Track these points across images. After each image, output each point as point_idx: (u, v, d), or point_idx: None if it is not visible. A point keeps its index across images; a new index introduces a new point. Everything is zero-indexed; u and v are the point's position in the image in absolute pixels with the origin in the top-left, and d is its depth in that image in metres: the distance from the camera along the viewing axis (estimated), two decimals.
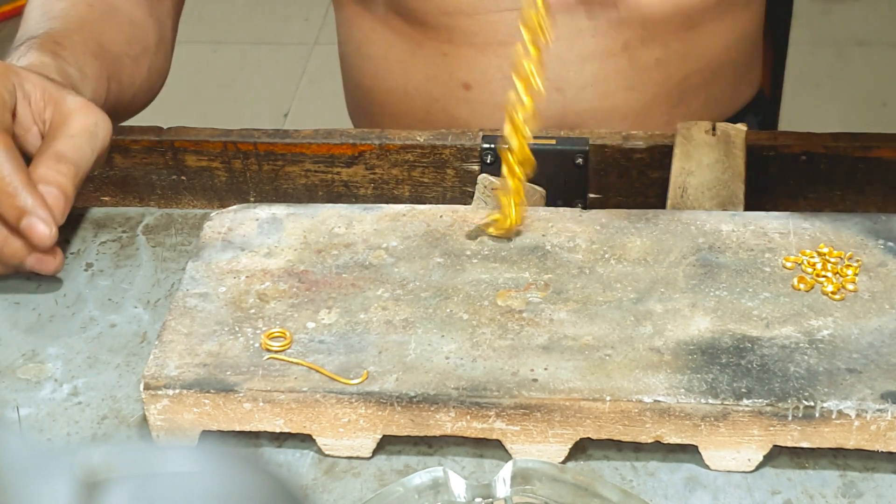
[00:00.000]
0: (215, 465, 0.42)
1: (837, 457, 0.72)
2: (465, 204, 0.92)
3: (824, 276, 0.77)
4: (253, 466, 0.43)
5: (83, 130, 0.81)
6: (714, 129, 0.91)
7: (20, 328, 0.83)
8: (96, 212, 0.94)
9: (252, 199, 0.94)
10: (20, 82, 0.81)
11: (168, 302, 0.85)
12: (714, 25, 0.97)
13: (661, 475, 0.72)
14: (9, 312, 0.85)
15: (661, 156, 0.92)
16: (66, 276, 0.87)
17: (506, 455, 0.72)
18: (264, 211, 0.83)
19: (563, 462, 0.72)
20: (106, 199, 0.95)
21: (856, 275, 0.77)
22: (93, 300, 0.85)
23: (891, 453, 0.72)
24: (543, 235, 0.81)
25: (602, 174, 0.93)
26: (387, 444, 0.74)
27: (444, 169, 0.93)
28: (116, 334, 0.83)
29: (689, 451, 0.73)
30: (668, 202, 0.88)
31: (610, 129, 0.96)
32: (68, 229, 0.91)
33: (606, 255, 0.80)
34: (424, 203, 0.93)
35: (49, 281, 0.87)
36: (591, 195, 0.94)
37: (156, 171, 0.94)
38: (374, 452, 0.73)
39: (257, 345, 0.74)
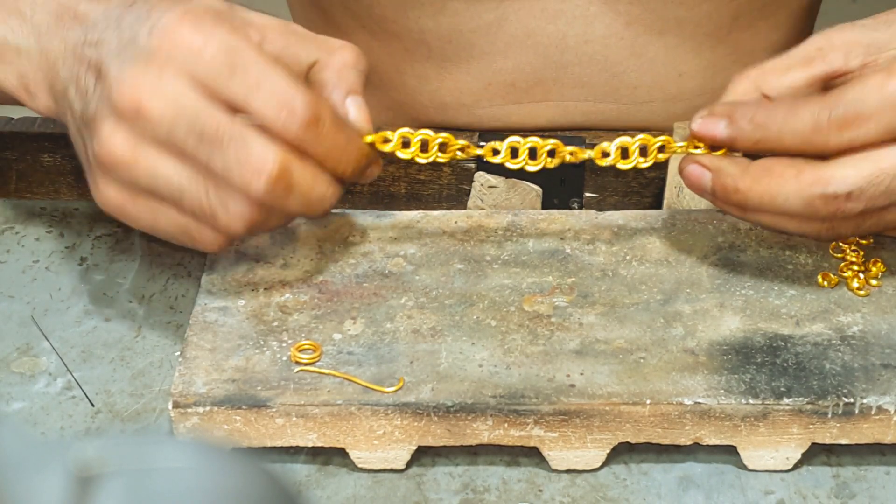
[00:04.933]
0: (209, 461, 0.42)
1: (830, 457, 0.73)
2: (461, 201, 0.91)
3: (850, 271, 0.77)
4: (247, 462, 0.42)
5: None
6: None
7: (14, 322, 0.82)
8: (92, 206, 0.90)
9: None
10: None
11: (163, 297, 0.84)
12: (763, 25, 0.97)
13: (654, 474, 0.72)
14: (3, 306, 0.84)
15: None
16: (61, 270, 0.86)
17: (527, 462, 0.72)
18: None
19: (600, 468, 0.72)
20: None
21: (882, 271, 0.77)
22: (87, 294, 0.84)
23: (883, 455, 0.72)
24: (562, 239, 0.81)
25: (598, 173, 0.93)
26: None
27: (440, 166, 0.92)
28: (111, 328, 0.82)
29: (682, 451, 0.73)
30: (665, 202, 0.88)
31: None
32: (62, 224, 0.90)
33: (627, 257, 0.79)
34: (421, 200, 0.92)
35: (43, 275, 0.86)
36: (587, 194, 0.93)
37: None
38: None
39: (285, 358, 0.72)
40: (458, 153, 0.76)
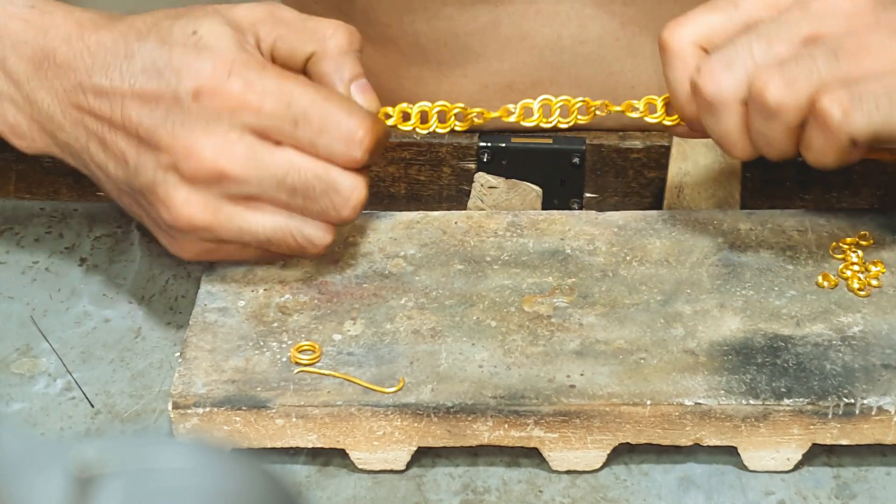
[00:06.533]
0: (209, 462, 0.42)
1: (831, 457, 0.73)
2: (461, 202, 0.91)
3: (850, 272, 0.77)
4: (246, 463, 0.43)
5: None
6: None
7: (14, 322, 0.82)
8: (91, 206, 0.92)
9: None
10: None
11: (163, 297, 0.84)
12: None
13: (654, 475, 0.72)
14: (2, 307, 0.84)
15: (657, 156, 0.92)
16: (60, 270, 0.86)
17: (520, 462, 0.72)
18: None
19: (600, 468, 0.72)
20: (101, 193, 0.93)
21: (882, 272, 0.77)
22: (87, 295, 0.84)
23: (884, 455, 0.72)
24: (562, 239, 0.81)
25: (598, 174, 0.93)
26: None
27: (440, 167, 0.92)
28: (111, 329, 0.82)
29: (683, 452, 0.73)
30: (665, 202, 0.88)
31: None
32: (62, 224, 0.90)
33: (628, 258, 0.79)
34: (421, 200, 0.92)
35: (43, 275, 0.86)
36: (588, 195, 0.93)
37: None
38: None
39: (284, 359, 0.72)
40: (456, 122, 0.80)
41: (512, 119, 0.79)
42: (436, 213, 0.83)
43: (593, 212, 0.83)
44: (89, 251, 0.88)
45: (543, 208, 0.89)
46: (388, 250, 0.80)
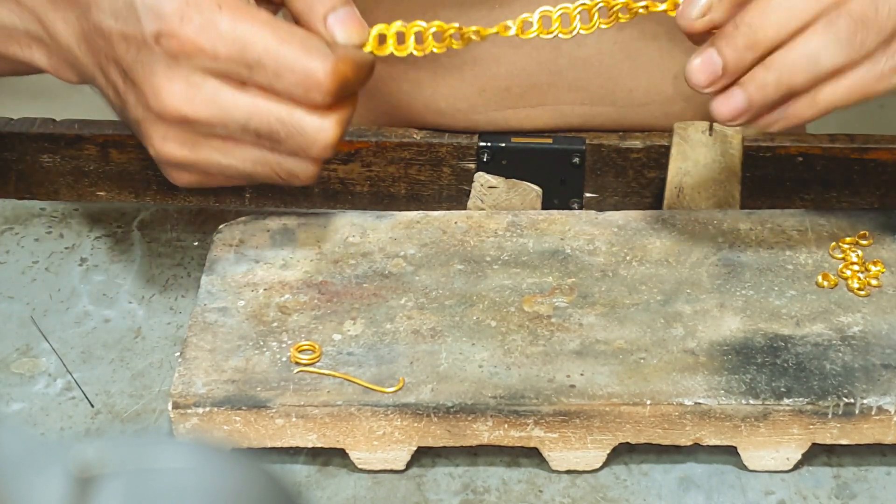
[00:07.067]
0: (209, 462, 0.42)
1: (831, 457, 0.73)
2: (461, 202, 0.91)
3: (850, 272, 0.77)
4: (246, 463, 0.42)
5: None
6: (711, 129, 0.91)
7: (14, 322, 0.82)
8: (91, 206, 0.92)
9: (248, 195, 0.93)
10: None
11: (163, 297, 0.84)
12: None
13: (654, 475, 0.72)
14: (2, 306, 0.84)
15: (657, 155, 0.92)
16: (60, 270, 0.86)
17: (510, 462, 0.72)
18: (274, 222, 0.82)
19: (600, 468, 0.72)
20: (101, 193, 0.94)
21: (881, 272, 0.77)
22: (87, 295, 0.85)
23: (884, 455, 0.73)
24: (562, 239, 0.81)
25: (598, 174, 0.93)
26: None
27: (440, 167, 0.93)
28: (111, 329, 0.82)
29: (683, 451, 0.73)
30: (665, 202, 0.88)
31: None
32: (62, 224, 0.90)
33: (628, 258, 0.79)
34: (421, 200, 0.93)
35: (43, 275, 0.86)
36: (588, 194, 0.93)
37: (152, 167, 0.92)
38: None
39: (284, 359, 0.72)
40: (454, 40, 0.73)
41: (511, 33, 0.73)
42: (436, 213, 0.83)
43: (593, 212, 0.83)
44: (89, 251, 0.88)
45: (543, 208, 0.89)
46: (388, 250, 0.80)
